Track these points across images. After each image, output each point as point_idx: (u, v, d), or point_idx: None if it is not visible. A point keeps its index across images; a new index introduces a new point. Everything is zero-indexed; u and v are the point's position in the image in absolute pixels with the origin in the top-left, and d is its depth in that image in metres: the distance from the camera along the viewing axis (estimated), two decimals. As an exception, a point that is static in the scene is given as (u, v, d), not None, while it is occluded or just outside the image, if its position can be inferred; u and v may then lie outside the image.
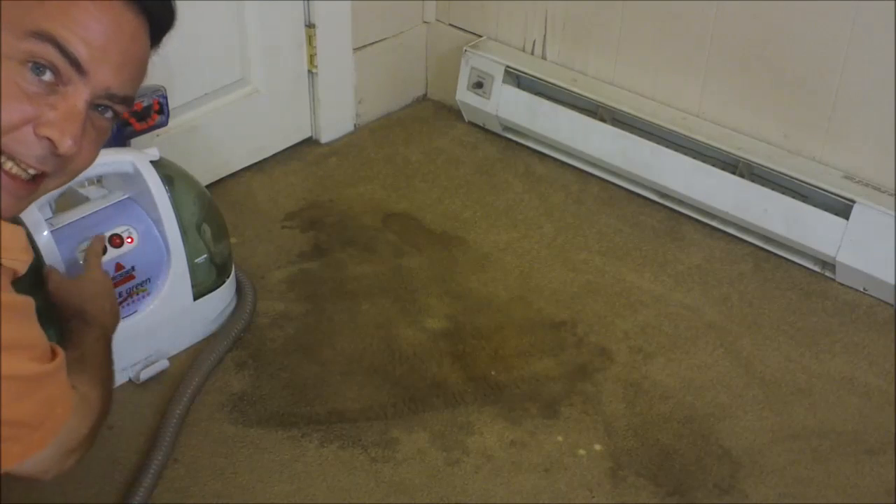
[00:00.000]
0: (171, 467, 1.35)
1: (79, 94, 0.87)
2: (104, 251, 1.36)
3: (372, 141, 2.09)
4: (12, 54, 0.84)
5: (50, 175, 0.90)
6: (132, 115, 1.52)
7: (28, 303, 0.91)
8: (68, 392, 0.97)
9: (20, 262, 0.90)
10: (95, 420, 1.04)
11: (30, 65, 0.85)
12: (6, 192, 0.88)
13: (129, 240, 1.40)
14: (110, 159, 1.39)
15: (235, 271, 1.60)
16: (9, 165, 0.87)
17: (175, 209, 1.43)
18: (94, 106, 0.90)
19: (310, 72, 1.99)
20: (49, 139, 0.86)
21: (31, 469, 0.94)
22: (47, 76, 0.86)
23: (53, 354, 0.94)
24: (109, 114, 0.92)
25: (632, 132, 1.85)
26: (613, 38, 1.90)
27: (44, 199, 1.33)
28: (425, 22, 2.16)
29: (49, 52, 0.85)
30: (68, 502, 1.30)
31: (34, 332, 0.92)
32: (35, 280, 1.30)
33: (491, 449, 1.40)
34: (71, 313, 1.22)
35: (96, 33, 0.87)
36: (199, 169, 1.62)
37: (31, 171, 0.89)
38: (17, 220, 1.11)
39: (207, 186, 1.68)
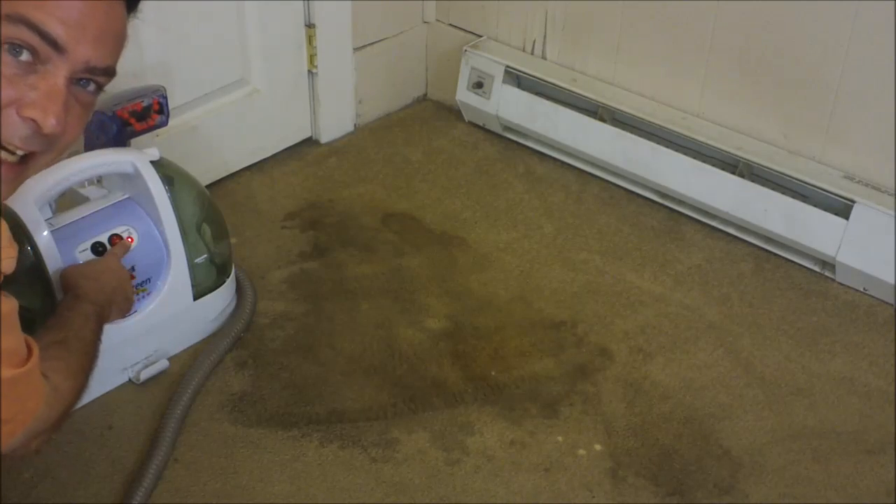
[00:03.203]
0: (171, 467, 1.35)
1: (58, 72, 0.87)
2: (124, 251, 1.39)
3: (372, 141, 2.09)
4: None
5: (39, 154, 0.91)
6: (132, 115, 1.52)
7: (10, 308, 0.91)
8: (40, 387, 1.00)
9: (8, 261, 0.89)
10: (65, 408, 1.07)
11: (5, 46, 0.84)
12: None
13: (129, 240, 1.40)
14: (110, 159, 1.39)
15: (235, 271, 1.60)
16: None
17: (175, 209, 1.43)
18: (76, 80, 0.89)
19: (310, 72, 1.99)
20: (33, 119, 0.86)
21: None
22: (24, 56, 0.85)
23: (29, 351, 0.95)
24: (92, 87, 0.91)
25: (632, 132, 1.85)
26: (613, 38, 1.90)
27: (44, 199, 1.33)
28: (425, 22, 2.16)
29: (24, 34, 0.84)
30: (68, 502, 1.30)
31: (13, 339, 0.92)
32: (32, 279, 1.30)
33: (491, 449, 1.39)
34: (67, 288, 1.25)
35: (71, 10, 0.86)
36: (199, 169, 1.62)
37: (20, 153, 0.89)
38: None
39: (207, 186, 1.68)
